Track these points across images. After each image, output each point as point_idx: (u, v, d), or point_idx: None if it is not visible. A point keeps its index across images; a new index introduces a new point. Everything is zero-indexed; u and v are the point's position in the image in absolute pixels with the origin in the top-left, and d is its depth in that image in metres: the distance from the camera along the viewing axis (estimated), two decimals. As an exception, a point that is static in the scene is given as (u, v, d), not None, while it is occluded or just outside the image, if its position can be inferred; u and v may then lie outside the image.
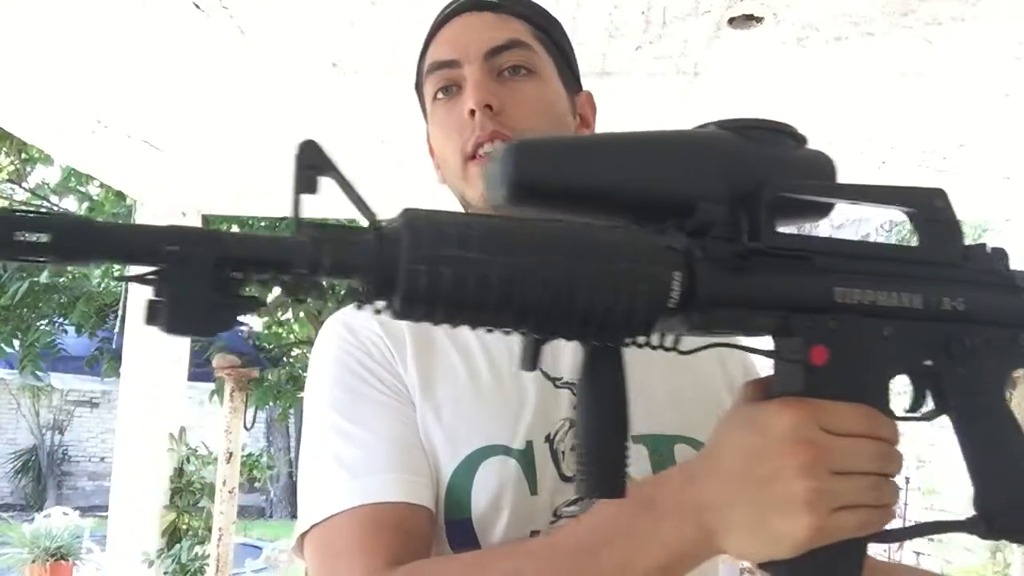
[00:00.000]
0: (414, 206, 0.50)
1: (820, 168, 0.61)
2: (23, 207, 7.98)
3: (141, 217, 3.86)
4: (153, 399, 3.76)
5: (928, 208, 0.61)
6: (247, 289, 0.47)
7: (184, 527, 3.87)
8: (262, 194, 3.92)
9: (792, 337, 0.56)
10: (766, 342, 0.60)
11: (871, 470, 0.55)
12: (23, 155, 7.08)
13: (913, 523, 0.64)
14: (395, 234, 0.49)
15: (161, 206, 3.79)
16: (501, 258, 0.49)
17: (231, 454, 3.94)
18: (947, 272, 0.61)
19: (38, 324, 7.12)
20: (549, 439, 0.81)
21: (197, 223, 3.95)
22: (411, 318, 0.50)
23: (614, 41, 2.27)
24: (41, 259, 0.44)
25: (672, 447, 0.84)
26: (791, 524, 0.53)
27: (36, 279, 6.63)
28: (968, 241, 0.62)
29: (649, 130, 0.59)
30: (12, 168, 7.50)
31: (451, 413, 0.81)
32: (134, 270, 0.46)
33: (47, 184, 7.48)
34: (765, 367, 0.63)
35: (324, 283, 0.49)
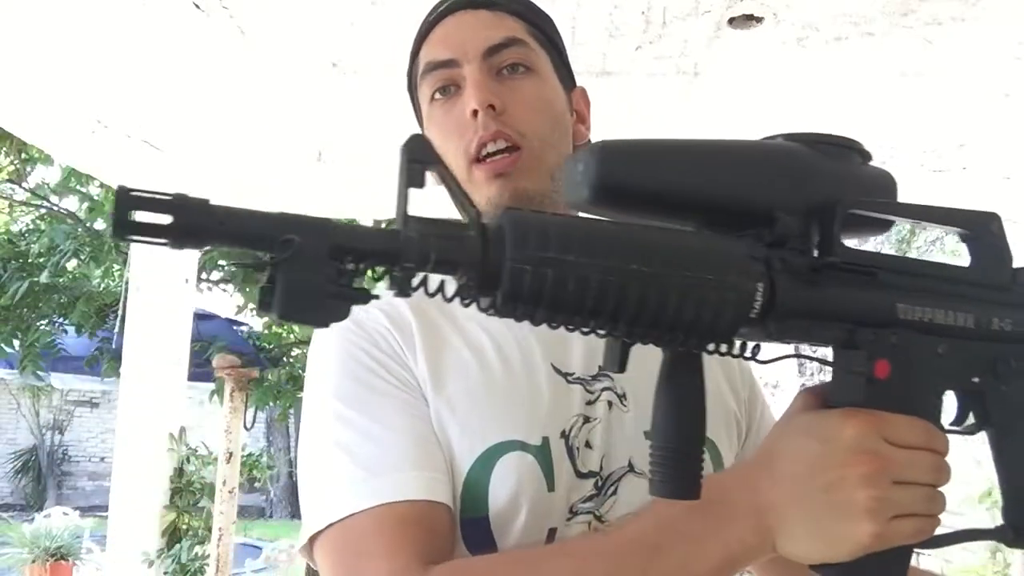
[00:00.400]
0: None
1: (885, 185, 0.63)
2: (23, 205, 7.99)
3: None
4: (153, 399, 3.76)
5: (983, 231, 0.64)
6: (357, 281, 0.47)
7: (184, 527, 3.87)
8: (262, 194, 3.92)
9: (856, 350, 0.58)
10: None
11: (927, 481, 0.58)
12: (23, 155, 7.08)
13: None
14: (500, 232, 0.50)
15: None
16: (601, 261, 0.50)
17: (231, 454, 3.94)
18: (997, 294, 0.63)
19: (38, 324, 7.12)
20: (565, 435, 0.80)
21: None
22: (512, 316, 0.51)
23: (614, 41, 2.27)
24: (159, 240, 0.44)
25: None
26: (852, 529, 0.56)
27: (36, 279, 6.62)
28: (1017, 264, 0.65)
29: (729, 139, 0.60)
30: (12, 168, 7.50)
31: (465, 407, 0.79)
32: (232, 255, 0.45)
33: (47, 184, 7.48)
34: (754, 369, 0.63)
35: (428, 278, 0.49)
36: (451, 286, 0.50)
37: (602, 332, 0.53)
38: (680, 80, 2.50)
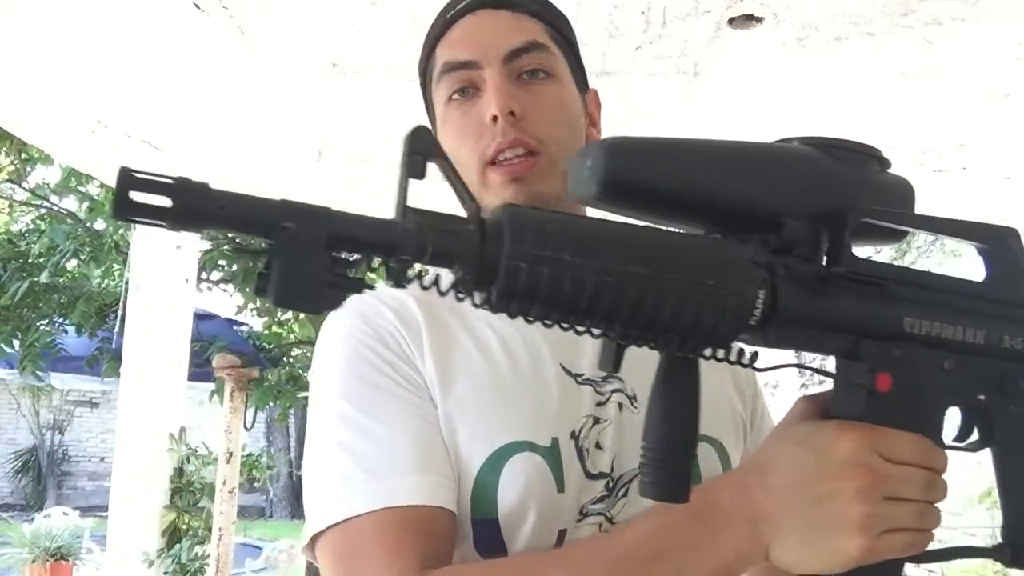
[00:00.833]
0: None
1: (902, 194, 0.63)
2: (23, 205, 7.99)
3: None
4: (153, 399, 3.76)
5: (1000, 246, 0.63)
6: (354, 271, 0.47)
7: (184, 527, 3.86)
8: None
9: (859, 362, 0.58)
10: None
11: (920, 498, 0.58)
12: (23, 155, 7.08)
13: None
14: (498, 228, 0.50)
15: (161, 206, 3.78)
16: (598, 262, 0.50)
17: (231, 454, 3.95)
18: (1010, 311, 0.62)
19: (38, 324, 7.12)
20: (574, 435, 0.79)
21: (197, 223, 3.94)
22: (506, 312, 0.51)
23: (614, 41, 2.27)
24: (158, 222, 0.44)
25: None
26: (844, 543, 0.57)
27: (36, 279, 6.62)
28: None
29: (741, 140, 0.59)
30: (12, 168, 7.50)
31: (474, 408, 0.78)
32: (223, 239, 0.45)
33: (47, 184, 7.48)
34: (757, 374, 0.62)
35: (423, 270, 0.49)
36: (447, 280, 0.49)
37: (597, 332, 0.52)
38: (680, 80, 2.50)
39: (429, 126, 0.93)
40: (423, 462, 0.74)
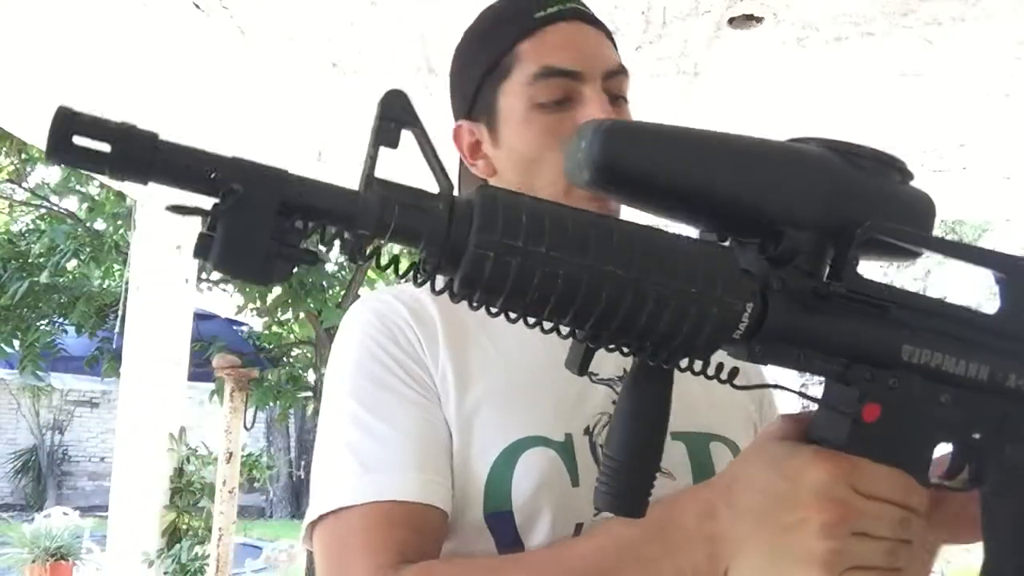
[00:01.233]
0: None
1: (922, 210, 0.59)
2: (23, 205, 7.99)
3: (141, 217, 3.85)
4: (153, 399, 3.76)
5: (1019, 278, 0.58)
6: (306, 242, 0.44)
7: (184, 527, 3.87)
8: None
9: (848, 387, 0.55)
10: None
11: (891, 536, 0.54)
12: (23, 155, 7.08)
13: None
14: (467, 210, 0.46)
15: (161, 206, 3.79)
16: (572, 258, 0.47)
17: (231, 454, 3.94)
18: (1021, 348, 0.58)
19: (38, 324, 7.13)
20: (588, 431, 0.79)
21: (197, 223, 3.94)
22: (467, 301, 0.48)
23: (614, 41, 2.27)
24: (98, 170, 0.41)
25: (708, 445, 0.83)
26: None
27: (36, 279, 6.62)
28: None
29: (751, 136, 0.55)
30: (12, 168, 7.50)
31: (488, 405, 0.78)
32: (179, 200, 0.43)
33: (47, 184, 7.48)
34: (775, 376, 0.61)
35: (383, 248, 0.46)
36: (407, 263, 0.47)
37: (564, 332, 0.50)
38: (680, 80, 2.50)
39: (453, 118, 0.91)
40: (420, 461, 0.75)
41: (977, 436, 0.58)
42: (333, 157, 3.33)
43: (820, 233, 0.54)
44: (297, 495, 11.35)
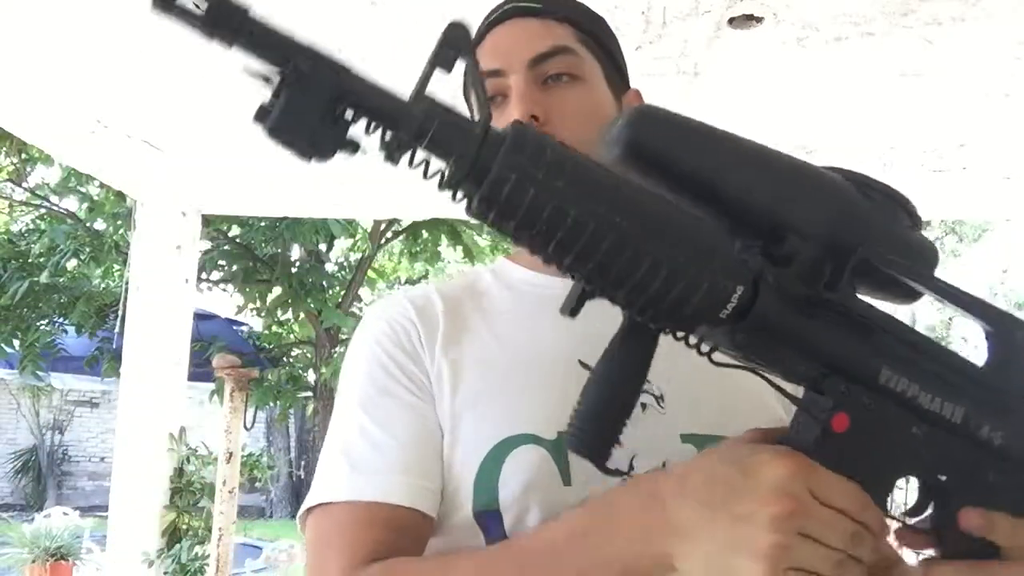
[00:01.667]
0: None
1: (922, 255, 0.61)
2: (23, 205, 7.99)
3: (141, 217, 3.85)
4: (153, 399, 3.76)
5: (1007, 336, 0.59)
6: (351, 131, 0.49)
7: (184, 527, 3.86)
8: (263, 194, 3.92)
9: (822, 395, 0.56)
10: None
11: (839, 547, 0.54)
12: (23, 155, 7.08)
13: None
14: (500, 137, 0.50)
15: (161, 206, 3.79)
16: (585, 201, 0.50)
17: (231, 454, 3.94)
18: (1001, 402, 0.59)
19: (38, 324, 7.14)
20: None
21: (197, 223, 3.95)
22: (482, 220, 0.51)
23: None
24: (190, 24, 0.46)
25: None
26: (747, 569, 0.54)
27: (36, 279, 6.63)
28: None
29: (773, 147, 0.59)
30: (12, 168, 7.51)
31: (482, 400, 0.80)
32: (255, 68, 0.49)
33: (47, 184, 7.49)
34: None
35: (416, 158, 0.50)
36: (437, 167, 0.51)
37: (564, 269, 0.53)
38: (680, 80, 2.50)
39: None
40: (406, 465, 0.77)
41: (943, 478, 0.59)
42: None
43: (821, 247, 0.56)
44: (297, 495, 11.34)
